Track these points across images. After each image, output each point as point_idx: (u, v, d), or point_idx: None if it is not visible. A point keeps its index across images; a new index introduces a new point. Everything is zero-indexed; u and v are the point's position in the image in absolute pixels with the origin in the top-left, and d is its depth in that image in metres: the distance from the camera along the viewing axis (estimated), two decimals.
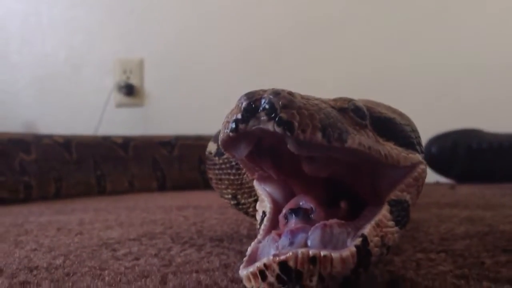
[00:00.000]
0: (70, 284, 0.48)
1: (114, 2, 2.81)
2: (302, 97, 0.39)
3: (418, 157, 0.48)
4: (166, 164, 2.02)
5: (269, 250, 0.39)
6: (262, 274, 0.36)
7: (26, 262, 0.58)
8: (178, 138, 2.07)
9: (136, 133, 2.24)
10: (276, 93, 0.37)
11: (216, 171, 0.73)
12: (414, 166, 0.47)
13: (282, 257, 0.35)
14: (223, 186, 0.73)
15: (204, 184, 2.01)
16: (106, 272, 0.52)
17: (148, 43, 2.77)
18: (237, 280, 0.47)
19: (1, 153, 1.56)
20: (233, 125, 0.38)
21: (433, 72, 2.46)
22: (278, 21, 2.64)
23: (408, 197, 0.45)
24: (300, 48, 2.62)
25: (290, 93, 0.38)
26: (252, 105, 0.37)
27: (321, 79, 2.49)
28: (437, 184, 2.02)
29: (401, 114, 0.52)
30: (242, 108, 0.38)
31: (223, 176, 0.72)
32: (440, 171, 2.11)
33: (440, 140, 2.07)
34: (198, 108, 2.66)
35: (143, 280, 0.48)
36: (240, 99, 0.39)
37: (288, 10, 2.63)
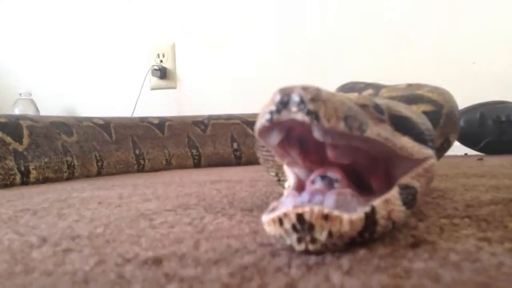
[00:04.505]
0: (110, 249, 0.50)
1: None
2: (328, 92, 0.43)
3: (430, 152, 0.52)
4: (201, 142, 2.07)
5: (289, 203, 0.45)
6: (280, 221, 0.42)
7: (69, 232, 0.61)
8: (210, 118, 2.12)
9: (170, 114, 2.30)
10: (305, 88, 0.42)
11: (264, 153, 0.83)
12: (425, 159, 0.51)
13: (300, 210, 0.41)
14: (268, 165, 0.83)
15: (237, 161, 2.08)
16: (143, 239, 0.55)
17: (180, 27, 2.80)
18: (265, 244, 0.49)
19: (44, 135, 1.62)
20: (268, 116, 0.43)
21: (463, 44, 2.40)
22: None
23: (417, 184, 0.49)
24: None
25: (318, 89, 0.42)
26: (284, 99, 0.42)
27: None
28: (466, 156, 2.01)
29: (418, 115, 0.55)
30: (275, 101, 0.43)
31: (269, 158, 0.82)
32: (468, 144, 2.10)
33: (468, 113, 2.05)
34: (228, 90, 2.69)
35: (177, 245, 0.51)
36: (274, 94, 0.43)
37: None
